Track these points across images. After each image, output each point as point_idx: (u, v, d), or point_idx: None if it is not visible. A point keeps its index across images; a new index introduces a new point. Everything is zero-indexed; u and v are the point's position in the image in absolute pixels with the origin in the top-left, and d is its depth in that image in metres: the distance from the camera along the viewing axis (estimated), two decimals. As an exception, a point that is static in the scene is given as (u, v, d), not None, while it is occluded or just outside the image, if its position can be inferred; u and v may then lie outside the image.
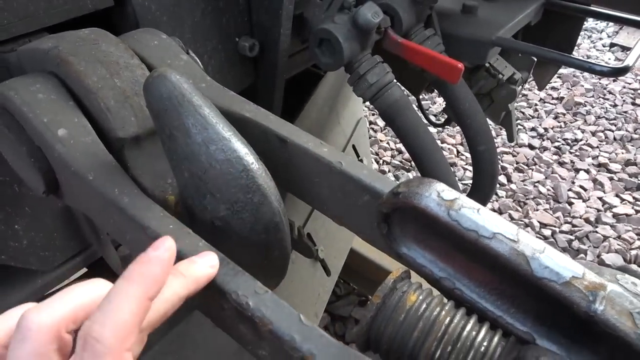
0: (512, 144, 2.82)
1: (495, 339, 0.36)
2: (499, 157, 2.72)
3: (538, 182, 2.59)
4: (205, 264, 0.43)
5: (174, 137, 0.46)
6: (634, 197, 2.50)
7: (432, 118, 1.51)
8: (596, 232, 2.29)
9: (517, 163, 2.71)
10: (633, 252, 2.19)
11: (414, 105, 1.04)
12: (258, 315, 0.37)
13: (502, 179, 2.60)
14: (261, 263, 0.50)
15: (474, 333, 0.37)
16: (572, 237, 2.28)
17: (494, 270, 0.35)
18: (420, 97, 1.51)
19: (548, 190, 2.54)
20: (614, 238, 2.26)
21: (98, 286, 0.39)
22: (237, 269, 0.42)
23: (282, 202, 0.50)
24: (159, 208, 0.48)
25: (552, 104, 3.16)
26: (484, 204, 1.20)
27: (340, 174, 0.49)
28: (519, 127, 2.96)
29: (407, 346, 0.39)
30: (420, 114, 1.11)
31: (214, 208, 0.48)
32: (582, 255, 2.20)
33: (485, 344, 0.36)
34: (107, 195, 0.48)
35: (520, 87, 1.29)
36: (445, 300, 0.41)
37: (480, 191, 1.15)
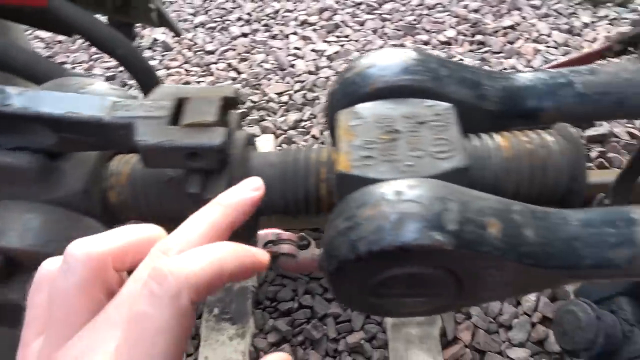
0: (228, 39, 2.96)
1: None
2: (220, 57, 2.85)
3: (262, 62, 2.79)
4: (246, 188, 0.40)
5: None
6: (335, 37, 2.86)
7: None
8: (319, 77, 2.60)
9: (239, 54, 2.87)
10: (350, 79, 2.55)
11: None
12: None
13: (232, 74, 2.75)
14: None
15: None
16: (305, 92, 2.57)
17: None
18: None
19: (272, 64, 2.76)
20: (333, 76, 2.60)
21: (152, 229, 0.37)
22: None
23: None
24: None
25: (245, -11, 3.34)
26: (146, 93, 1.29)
27: None
28: (226, 22, 3.10)
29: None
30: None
31: None
32: (317, 101, 2.50)
33: None
34: None
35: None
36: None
37: (144, 86, 1.23)
